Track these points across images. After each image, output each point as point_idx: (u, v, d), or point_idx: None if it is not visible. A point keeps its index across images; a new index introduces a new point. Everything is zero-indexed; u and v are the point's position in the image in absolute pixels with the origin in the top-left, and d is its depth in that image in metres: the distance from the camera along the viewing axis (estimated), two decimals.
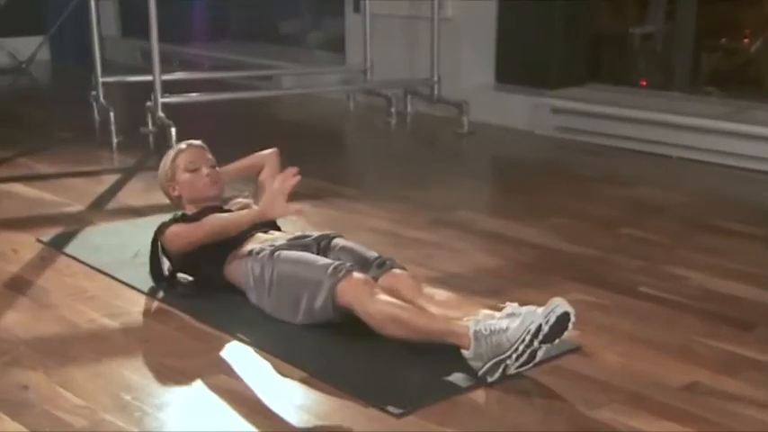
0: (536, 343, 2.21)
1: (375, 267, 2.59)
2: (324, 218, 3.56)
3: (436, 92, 5.31)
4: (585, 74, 5.32)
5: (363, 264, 2.60)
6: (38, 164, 4.41)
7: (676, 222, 3.53)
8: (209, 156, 3.01)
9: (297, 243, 2.69)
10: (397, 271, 2.60)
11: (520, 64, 5.28)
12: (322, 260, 2.56)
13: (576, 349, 2.44)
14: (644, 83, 5.22)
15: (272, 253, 2.62)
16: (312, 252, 2.67)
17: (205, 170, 2.94)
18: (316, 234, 2.76)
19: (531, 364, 2.27)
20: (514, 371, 2.25)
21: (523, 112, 5.06)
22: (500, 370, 2.23)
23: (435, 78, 5.28)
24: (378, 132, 5.29)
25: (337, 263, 2.52)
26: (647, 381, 2.28)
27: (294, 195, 3.92)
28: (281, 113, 5.79)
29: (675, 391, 2.23)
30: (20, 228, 3.43)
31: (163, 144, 4.54)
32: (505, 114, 5.12)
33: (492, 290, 2.82)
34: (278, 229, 2.89)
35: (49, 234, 3.34)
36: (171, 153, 3.00)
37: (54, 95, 6.68)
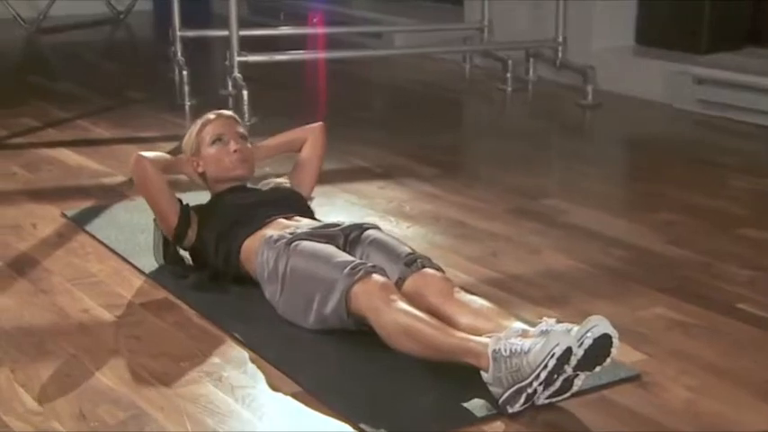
0: (568, 369, 2.06)
1: (403, 265, 2.47)
2: (387, 201, 3.46)
3: (560, 55, 5.10)
4: (745, 36, 4.99)
5: (393, 261, 2.49)
6: (96, 127, 4.48)
7: None
8: (241, 129, 2.93)
9: (320, 233, 2.59)
10: (428, 271, 2.46)
11: (665, 23, 5.00)
12: (341, 256, 2.46)
13: (634, 378, 2.25)
14: None
15: (289, 242, 2.54)
16: (338, 244, 2.57)
17: (234, 145, 2.87)
18: (347, 223, 2.67)
19: (567, 394, 2.12)
20: (545, 401, 2.11)
21: (662, 81, 4.78)
22: (522, 399, 2.07)
23: (560, 39, 5.07)
24: (490, 101, 5.13)
25: (357, 261, 2.41)
26: (712, 424, 2.08)
27: (364, 173, 3.93)
28: (385, 76, 5.69)
29: None
30: (48, 199, 3.48)
31: (237, 109, 4.53)
32: (640, 83, 4.87)
33: (553, 299, 2.66)
34: (307, 215, 2.81)
35: (77, 208, 3.37)
36: (198, 123, 2.95)
37: (144, 51, 6.80)
